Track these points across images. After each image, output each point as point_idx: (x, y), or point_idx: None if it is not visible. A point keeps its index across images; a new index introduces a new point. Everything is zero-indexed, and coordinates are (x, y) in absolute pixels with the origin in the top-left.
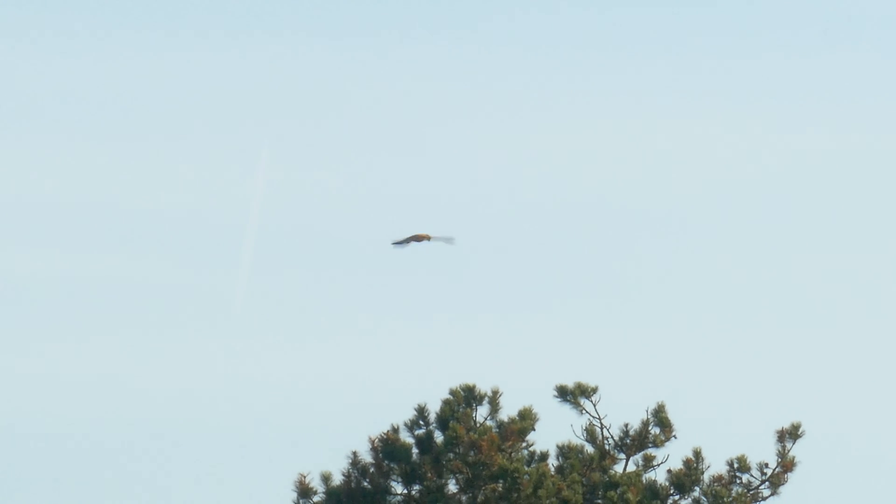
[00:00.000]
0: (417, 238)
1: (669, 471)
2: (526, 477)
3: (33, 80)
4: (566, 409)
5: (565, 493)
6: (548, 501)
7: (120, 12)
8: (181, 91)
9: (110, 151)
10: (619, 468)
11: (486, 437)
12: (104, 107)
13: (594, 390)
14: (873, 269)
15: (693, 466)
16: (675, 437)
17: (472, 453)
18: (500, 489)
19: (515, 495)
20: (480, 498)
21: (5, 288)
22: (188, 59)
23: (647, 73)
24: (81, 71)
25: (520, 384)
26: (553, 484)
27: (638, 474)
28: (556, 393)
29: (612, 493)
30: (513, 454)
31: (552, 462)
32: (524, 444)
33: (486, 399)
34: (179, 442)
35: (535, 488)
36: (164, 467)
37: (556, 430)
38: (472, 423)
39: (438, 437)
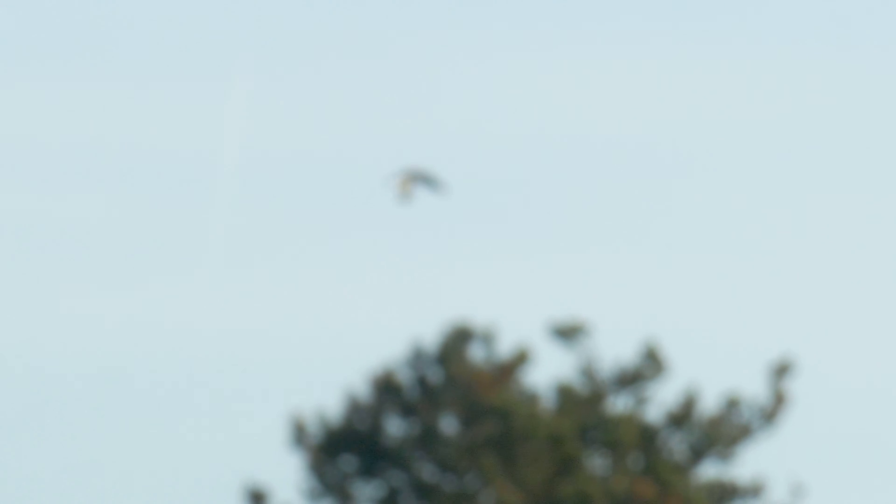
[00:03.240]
0: (415, 175)
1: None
2: (520, 415)
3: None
4: (560, 346)
5: (560, 431)
6: (541, 440)
7: None
8: (154, 24)
9: (81, 89)
10: (612, 406)
11: (480, 375)
12: (73, 41)
13: (588, 327)
14: (876, 204)
15: (687, 403)
16: (668, 372)
17: (467, 392)
18: (495, 427)
19: (510, 433)
20: (475, 436)
21: None
22: None
23: (661, 13)
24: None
25: (514, 320)
26: (547, 422)
27: (632, 413)
28: (549, 329)
29: (606, 431)
30: (507, 393)
31: (546, 400)
32: (518, 383)
33: (481, 337)
34: (166, 382)
35: (529, 426)
36: (148, 409)
37: (550, 368)
38: (467, 362)
39: (435, 375)
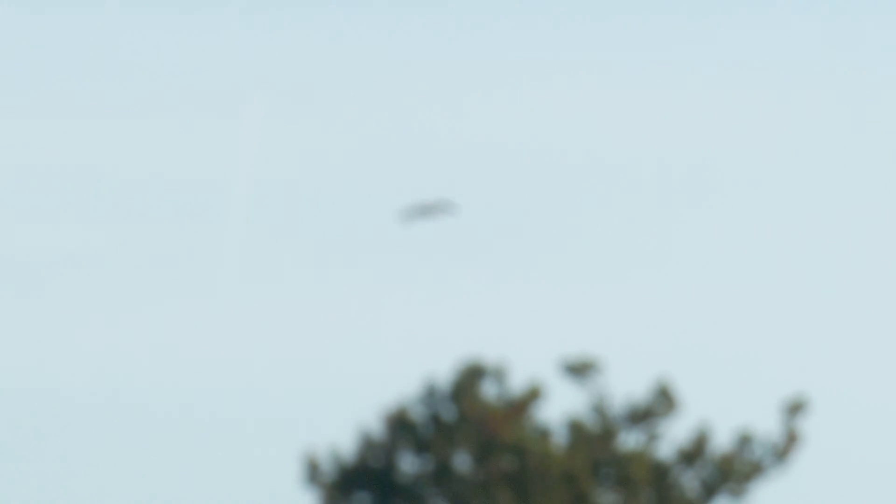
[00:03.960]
0: (427, 209)
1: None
2: (533, 452)
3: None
4: (572, 383)
5: (572, 469)
6: (555, 477)
7: None
8: (166, 56)
9: (96, 122)
10: (624, 442)
11: (493, 412)
12: (84, 77)
13: (599, 364)
14: (891, 234)
15: (699, 440)
16: (680, 410)
17: (480, 429)
18: (509, 464)
19: (523, 470)
20: (489, 473)
21: None
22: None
23: (671, 36)
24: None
25: (526, 355)
26: (560, 459)
27: (644, 449)
28: (561, 366)
29: (619, 468)
30: (520, 429)
31: (559, 437)
32: (531, 419)
33: (493, 374)
34: (178, 417)
35: (543, 463)
36: (162, 443)
37: (562, 404)
38: (480, 399)
39: (448, 412)
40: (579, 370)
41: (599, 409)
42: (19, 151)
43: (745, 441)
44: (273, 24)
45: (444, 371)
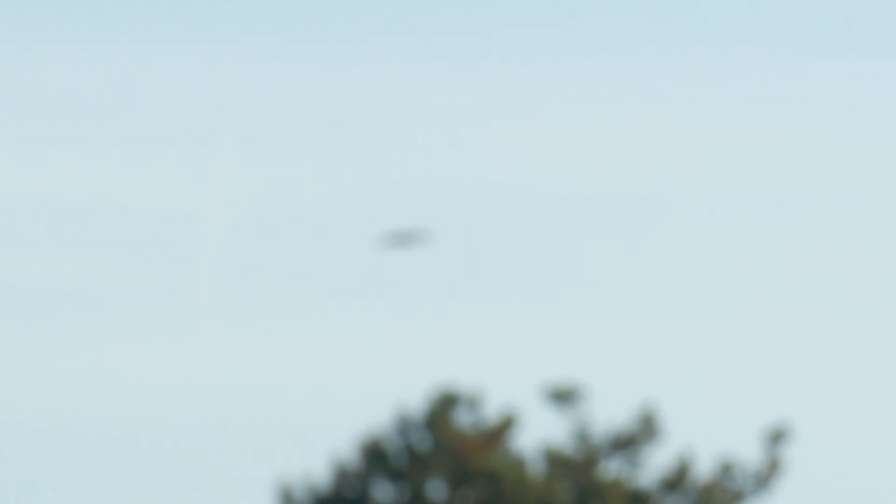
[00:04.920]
0: (403, 237)
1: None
2: (508, 480)
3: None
4: (553, 410)
5: (548, 496)
6: None
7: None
8: (139, 89)
9: (65, 154)
10: (605, 470)
11: (467, 440)
12: (66, 106)
13: (580, 391)
14: (872, 263)
15: (681, 467)
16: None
17: (454, 457)
18: (483, 493)
19: (498, 498)
20: (464, 501)
21: None
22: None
23: (648, 67)
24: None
25: (504, 382)
26: (536, 487)
27: (624, 477)
28: (543, 392)
29: (597, 497)
30: (495, 457)
31: (537, 464)
32: (506, 447)
33: (468, 402)
34: (151, 445)
35: (518, 491)
36: (135, 472)
37: (540, 431)
38: (454, 427)
39: (422, 440)
40: (562, 397)
41: (581, 436)
42: None
43: (726, 469)
44: (245, 55)
45: (418, 399)
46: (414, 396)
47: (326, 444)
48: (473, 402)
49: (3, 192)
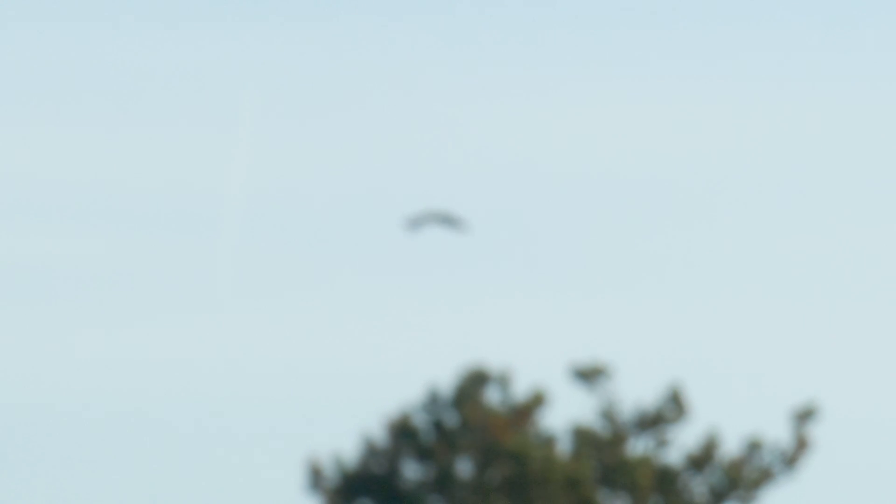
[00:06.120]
0: (434, 217)
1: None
2: (536, 458)
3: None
4: (580, 389)
5: (576, 474)
6: (558, 483)
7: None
8: (160, 69)
9: (91, 134)
10: (633, 448)
11: (496, 418)
12: (79, 88)
13: (609, 370)
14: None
15: (708, 446)
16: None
17: (483, 435)
18: (510, 471)
19: (525, 476)
20: (491, 479)
21: None
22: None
23: (662, 49)
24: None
25: (532, 362)
26: (563, 465)
27: (651, 455)
28: (570, 372)
29: (625, 475)
30: (522, 436)
31: (564, 443)
32: (534, 426)
33: (497, 380)
34: (181, 424)
35: (545, 469)
36: (166, 451)
37: (569, 409)
38: (483, 405)
39: (450, 418)
40: (589, 376)
41: (609, 415)
42: (10, 161)
43: (754, 447)
44: (268, 35)
45: (447, 378)
46: (443, 375)
47: (356, 423)
48: (502, 381)
49: (25, 172)
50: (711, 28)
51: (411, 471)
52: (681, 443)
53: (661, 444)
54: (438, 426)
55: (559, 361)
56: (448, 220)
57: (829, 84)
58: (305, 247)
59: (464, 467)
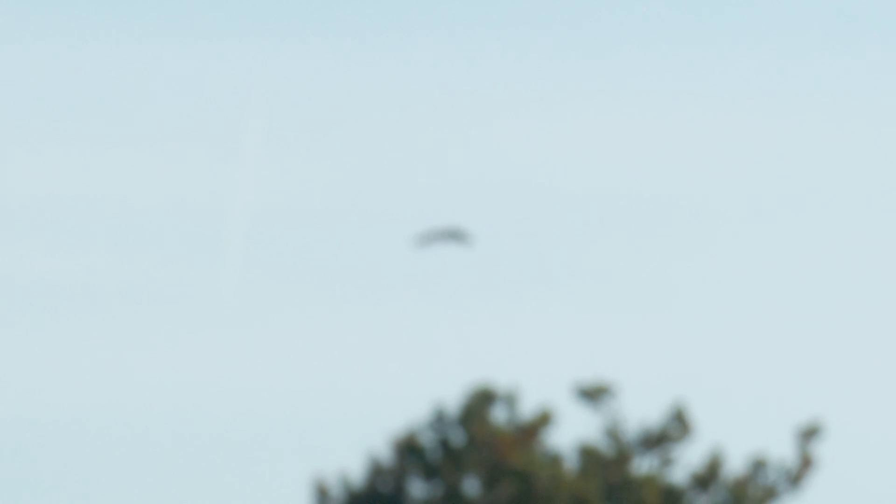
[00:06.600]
0: (442, 234)
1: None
2: (543, 477)
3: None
4: (585, 407)
5: (582, 493)
6: (564, 502)
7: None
8: (162, 83)
9: (93, 149)
10: (637, 467)
11: (503, 437)
12: (81, 101)
13: (613, 388)
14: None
15: (713, 464)
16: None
17: (490, 454)
18: (517, 490)
19: (532, 495)
20: (498, 497)
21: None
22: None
23: (674, 65)
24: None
25: (538, 380)
26: (570, 484)
27: (657, 474)
28: (574, 390)
29: (631, 494)
30: (529, 454)
31: (570, 461)
32: (541, 445)
33: (504, 399)
34: (186, 442)
35: (552, 488)
36: (170, 470)
37: (575, 428)
38: (490, 424)
39: (457, 437)
40: (593, 394)
41: (613, 434)
42: (9, 176)
43: (758, 466)
44: (272, 51)
45: (453, 396)
46: (449, 393)
47: (362, 441)
48: (509, 400)
49: (26, 187)
50: (727, 44)
51: (418, 489)
52: (685, 462)
53: (666, 462)
54: (445, 445)
55: (565, 379)
56: (453, 235)
57: (833, 107)
58: (310, 263)
59: (470, 486)
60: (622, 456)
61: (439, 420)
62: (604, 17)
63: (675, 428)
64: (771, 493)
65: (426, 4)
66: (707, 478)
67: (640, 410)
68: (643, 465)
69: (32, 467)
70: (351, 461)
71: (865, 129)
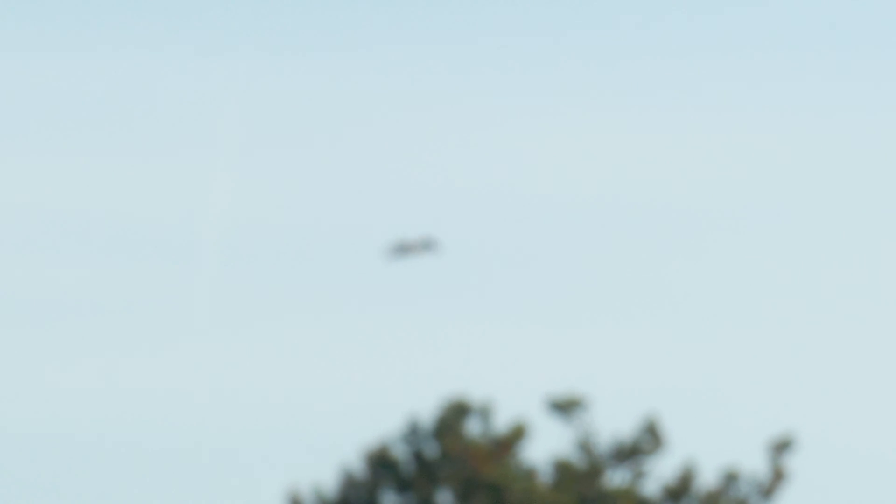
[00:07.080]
0: (411, 246)
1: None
2: (516, 490)
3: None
4: (557, 421)
5: None
6: None
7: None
8: (140, 95)
9: (66, 161)
10: (610, 480)
11: (476, 450)
12: (59, 112)
13: (585, 401)
14: (876, 272)
15: (685, 477)
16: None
17: (463, 467)
18: (490, 502)
19: None
20: None
21: None
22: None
23: (658, 76)
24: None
25: (511, 393)
26: (544, 497)
27: (630, 487)
28: (547, 404)
29: None
30: (503, 467)
31: (544, 474)
32: (515, 458)
33: (478, 412)
34: (158, 454)
35: (525, 501)
36: (143, 481)
37: (548, 441)
38: (464, 437)
39: (430, 450)
40: (566, 407)
41: (586, 447)
42: None
43: (730, 478)
44: (246, 63)
45: (427, 409)
46: (423, 406)
47: (335, 453)
48: (483, 413)
49: (4, 198)
50: (720, 52)
51: (390, 502)
52: (658, 474)
53: (639, 475)
54: (418, 457)
55: (538, 393)
56: (424, 245)
57: (828, 117)
58: (284, 275)
59: (444, 499)
60: (595, 469)
61: (413, 433)
62: (593, 25)
63: (648, 441)
64: None
65: (402, 16)
66: (679, 491)
67: (612, 423)
68: (616, 477)
69: (8, 478)
70: (324, 473)
71: (859, 142)
